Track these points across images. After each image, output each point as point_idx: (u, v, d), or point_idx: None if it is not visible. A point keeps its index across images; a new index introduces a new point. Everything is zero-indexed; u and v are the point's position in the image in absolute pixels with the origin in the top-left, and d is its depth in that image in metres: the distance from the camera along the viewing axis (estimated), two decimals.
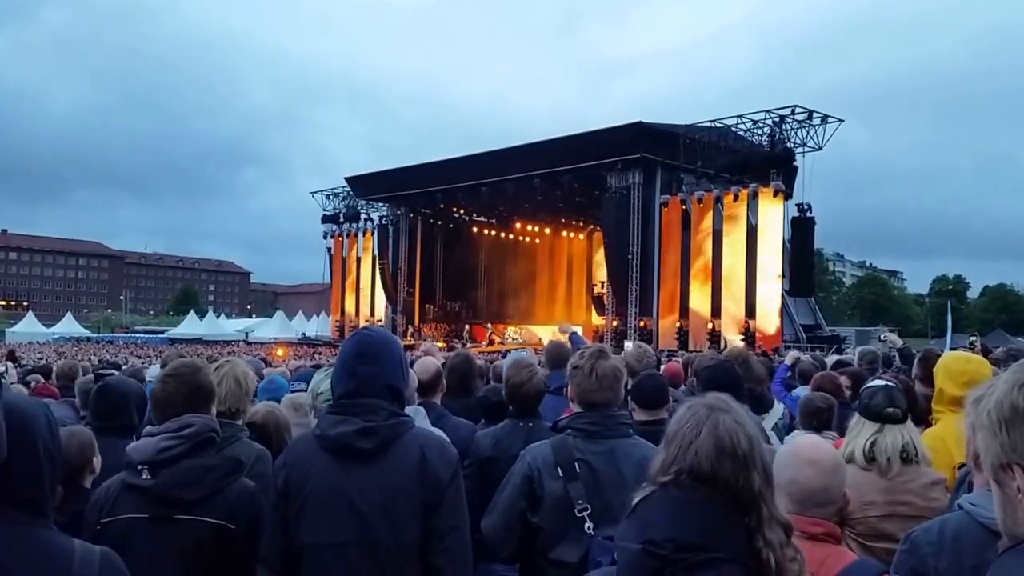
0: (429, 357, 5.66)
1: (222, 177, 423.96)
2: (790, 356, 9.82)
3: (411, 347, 36.97)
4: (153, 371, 8.48)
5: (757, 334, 32.53)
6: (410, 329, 49.64)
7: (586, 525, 3.29)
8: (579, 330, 8.28)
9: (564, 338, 7.64)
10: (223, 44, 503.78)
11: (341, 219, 54.16)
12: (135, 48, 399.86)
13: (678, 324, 35.84)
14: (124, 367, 7.94)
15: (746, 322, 33.38)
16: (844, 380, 6.32)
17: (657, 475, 1.88)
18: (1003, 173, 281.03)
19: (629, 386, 5.39)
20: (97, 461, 3.70)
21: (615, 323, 38.65)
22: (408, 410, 3.24)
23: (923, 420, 4.50)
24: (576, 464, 3.43)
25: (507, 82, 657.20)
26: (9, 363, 18.10)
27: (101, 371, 8.30)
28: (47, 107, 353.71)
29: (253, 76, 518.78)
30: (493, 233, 54.59)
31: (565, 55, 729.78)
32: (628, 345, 21.96)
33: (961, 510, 2.48)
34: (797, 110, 33.71)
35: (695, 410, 1.93)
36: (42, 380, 8.59)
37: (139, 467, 2.99)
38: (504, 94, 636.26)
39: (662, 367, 8.59)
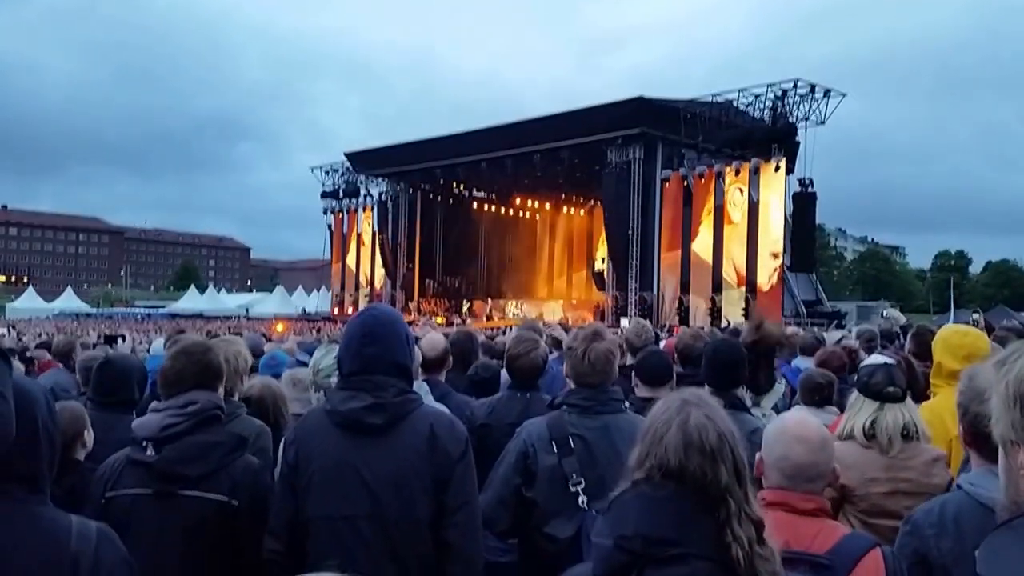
0: (437, 334, 5.68)
1: (219, 152, 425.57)
2: (788, 332, 9.83)
3: (410, 323, 36.95)
4: (157, 345, 8.49)
5: (758, 309, 32.55)
6: (411, 305, 49.70)
7: (580, 499, 3.34)
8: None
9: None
10: (217, 17, 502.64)
11: (341, 195, 54.16)
12: (129, 21, 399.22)
13: (679, 299, 35.85)
14: (124, 341, 7.96)
15: (747, 297, 33.39)
16: (845, 350, 6.32)
17: (632, 471, 1.92)
18: (1003, 146, 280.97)
19: (626, 362, 5.41)
20: (88, 435, 3.74)
21: (616, 299, 38.67)
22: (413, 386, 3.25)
23: (923, 396, 4.50)
24: (571, 439, 3.47)
25: (502, 55, 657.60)
26: (12, 328, 18.25)
27: (109, 335, 8.37)
28: (43, 81, 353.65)
29: (248, 50, 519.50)
30: (493, 209, 54.51)
31: (559, 28, 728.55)
32: (625, 322, 21.98)
33: (960, 490, 2.50)
34: (799, 84, 33.57)
35: (668, 405, 1.96)
36: (47, 356, 8.60)
37: (143, 443, 3.01)
38: (498, 67, 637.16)
39: (661, 343, 8.59)
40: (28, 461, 1.87)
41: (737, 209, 34.26)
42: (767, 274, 33.42)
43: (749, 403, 4.62)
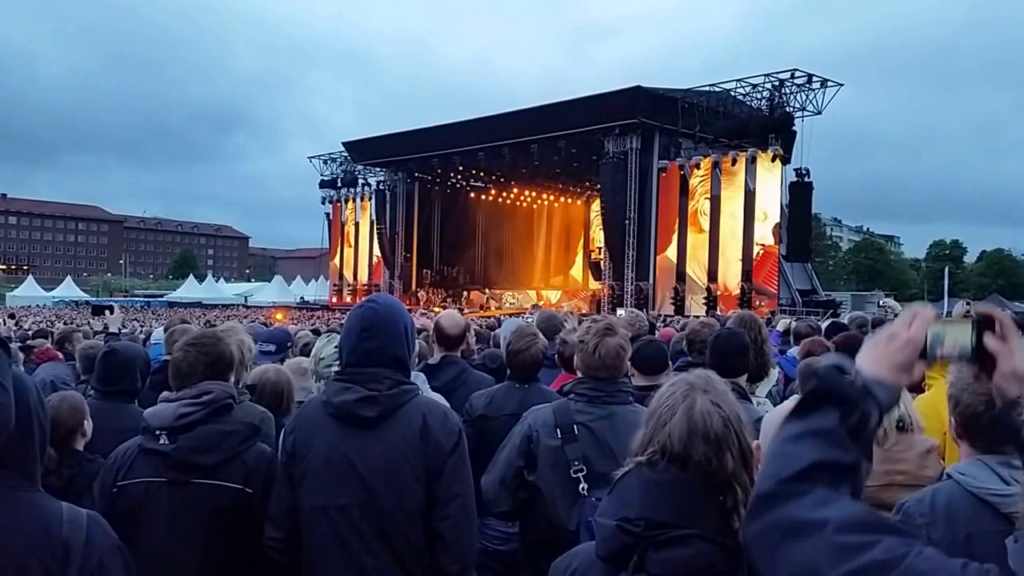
0: (455, 312, 5.68)
1: (213, 141, 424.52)
2: (782, 323, 9.90)
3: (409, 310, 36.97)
4: (157, 334, 8.50)
5: (753, 298, 32.64)
6: (420, 295, 49.88)
7: (580, 486, 3.35)
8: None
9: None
10: (210, 2, 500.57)
11: (339, 184, 54.22)
12: (120, 6, 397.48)
13: (674, 289, 35.91)
14: (111, 313, 7.97)
15: (742, 286, 33.45)
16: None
17: (635, 453, 1.92)
18: (993, 136, 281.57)
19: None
20: (88, 425, 3.75)
21: (612, 288, 38.71)
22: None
23: (917, 388, 4.52)
24: (575, 427, 3.49)
25: (493, 44, 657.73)
26: (9, 319, 18.25)
27: (97, 306, 8.39)
28: (35, 68, 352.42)
29: (240, 37, 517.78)
30: (491, 198, 54.52)
31: (550, 17, 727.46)
32: (620, 312, 22.00)
33: (950, 479, 2.53)
34: (796, 74, 33.58)
35: (675, 389, 1.95)
36: (45, 344, 8.61)
37: (157, 433, 3.03)
38: (490, 56, 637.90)
39: (657, 332, 8.63)
40: (20, 449, 1.90)
41: (734, 199, 34.32)
42: (763, 263, 33.50)
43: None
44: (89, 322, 21.74)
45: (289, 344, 6.14)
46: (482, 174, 50.36)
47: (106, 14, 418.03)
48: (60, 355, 7.78)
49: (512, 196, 54.09)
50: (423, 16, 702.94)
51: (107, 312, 7.73)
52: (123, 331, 8.83)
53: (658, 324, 13.54)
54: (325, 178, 54.94)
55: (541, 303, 45.68)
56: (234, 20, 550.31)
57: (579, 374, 3.79)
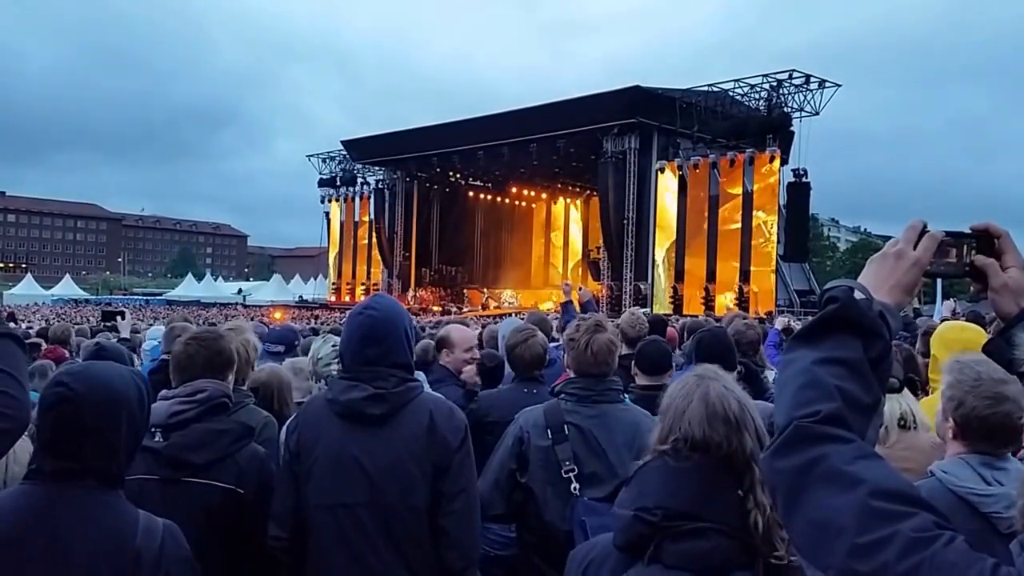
0: (459, 326, 5.58)
1: (202, 137, 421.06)
2: (779, 321, 9.96)
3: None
4: (156, 332, 8.54)
5: (751, 298, 32.66)
6: (410, 294, 49.86)
7: (572, 486, 3.36)
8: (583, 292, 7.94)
9: (575, 295, 7.37)
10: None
11: (338, 183, 54.11)
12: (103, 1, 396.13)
13: (673, 289, 35.93)
14: (123, 319, 7.97)
15: (740, 286, 33.47)
16: None
17: (656, 445, 1.95)
18: (978, 135, 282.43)
19: (621, 352, 5.49)
20: None
21: (611, 288, 38.70)
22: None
23: (922, 389, 4.57)
24: (565, 427, 3.49)
25: (473, 39, 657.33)
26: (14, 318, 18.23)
27: (108, 312, 8.41)
28: (23, 63, 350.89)
29: (222, 32, 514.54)
30: (489, 198, 54.56)
31: (527, 13, 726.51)
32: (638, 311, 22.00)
33: (933, 477, 2.56)
34: (794, 74, 33.63)
35: (685, 381, 2.00)
36: (45, 344, 8.62)
37: (152, 430, 3.02)
38: (471, 52, 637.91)
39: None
40: (105, 452, 1.98)
41: (731, 199, 34.33)
42: (760, 263, 33.52)
43: None
44: (88, 319, 21.78)
45: (297, 343, 6.15)
46: (481, 173, 50.41)
47: (87, 9, 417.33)
48: (67, 355, 7.79)
49: (511, 195, 54.12)
50: (402, 10, 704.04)
51: (118, 318, 7.74)
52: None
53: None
54: (324, 177, 54.88)
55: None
56: (215, 14, 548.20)
57: (570, 373, 3.78)
